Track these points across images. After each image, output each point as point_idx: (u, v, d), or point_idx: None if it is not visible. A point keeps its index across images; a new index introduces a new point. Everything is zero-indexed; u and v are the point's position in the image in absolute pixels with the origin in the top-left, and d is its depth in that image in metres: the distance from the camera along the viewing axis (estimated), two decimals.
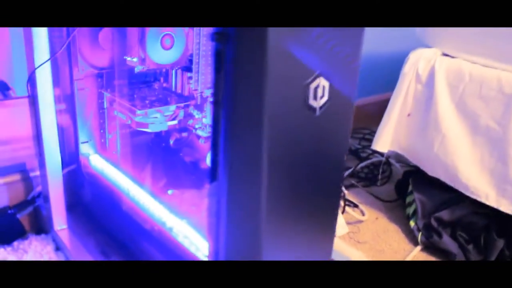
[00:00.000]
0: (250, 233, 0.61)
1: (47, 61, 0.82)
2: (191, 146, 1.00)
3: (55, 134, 0.88)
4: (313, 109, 0.64)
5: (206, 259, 0.71)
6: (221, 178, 0.59)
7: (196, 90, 0.92)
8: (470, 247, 1.06)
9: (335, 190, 0.88)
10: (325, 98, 0.65)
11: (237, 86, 0.55)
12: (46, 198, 0.94)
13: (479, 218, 1.06)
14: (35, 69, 0.81)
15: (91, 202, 1.01)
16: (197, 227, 0.78)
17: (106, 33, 0.92)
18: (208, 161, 0.88)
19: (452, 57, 1.08)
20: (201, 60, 0.84)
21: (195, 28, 0.82)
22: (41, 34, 0.80)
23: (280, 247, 0.67)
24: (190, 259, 0.76)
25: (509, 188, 0.98)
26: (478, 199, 1.02)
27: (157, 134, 1.01)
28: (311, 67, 0.57)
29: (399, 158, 1.41)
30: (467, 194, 1.04)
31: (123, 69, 1.00)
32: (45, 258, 0.93)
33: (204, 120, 0.93)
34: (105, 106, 1.00)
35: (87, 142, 1.01)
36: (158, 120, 0.92)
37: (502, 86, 0.97)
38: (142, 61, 0.86)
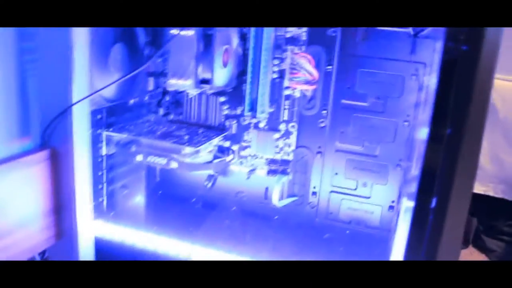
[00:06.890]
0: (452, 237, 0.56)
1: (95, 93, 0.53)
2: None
3: (89, 202, 0.58)
4: None
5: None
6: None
7: (231, 118, 0.74)
8: None
9: None
10: None
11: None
12: None
13: None
14: (71, 105, 0.52)
15: None
16: None
17: (119, 48, 0.66)
18: (275, 199, 0.73)
19: None
20: (264, 73, 0.67)
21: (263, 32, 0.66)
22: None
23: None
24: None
25: (479, 172, 1.14)
26: None
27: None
28: None
29: None
30: None
31: (127, 101, 0.74)
32: None
33: (242, 152, 0.76)
34: (103, 153, 0.71)
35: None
36: (205, 158, 0.72)
37: None
38: (204, 83, 0.64)
